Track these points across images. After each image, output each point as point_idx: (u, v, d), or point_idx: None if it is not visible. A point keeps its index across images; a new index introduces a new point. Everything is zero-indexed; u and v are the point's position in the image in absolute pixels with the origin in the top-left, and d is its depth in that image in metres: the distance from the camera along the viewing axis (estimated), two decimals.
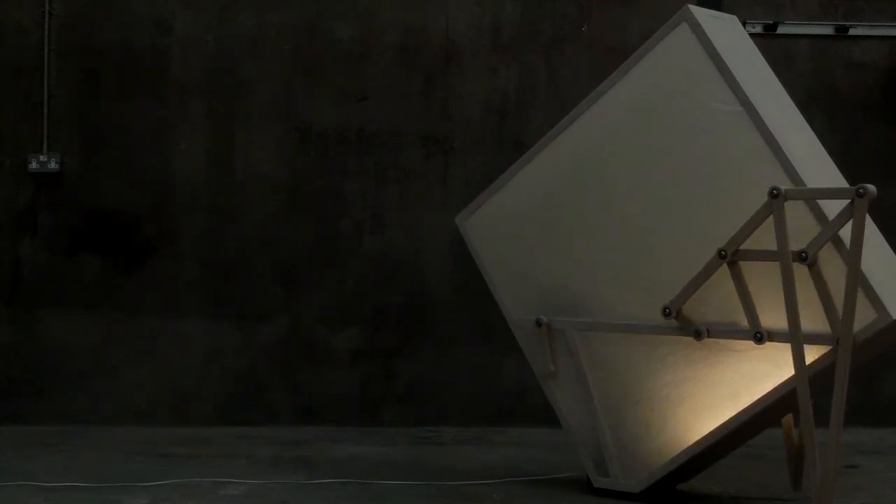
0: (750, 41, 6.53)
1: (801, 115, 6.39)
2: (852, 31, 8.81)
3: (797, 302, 5.42)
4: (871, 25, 8.84)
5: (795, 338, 5.41)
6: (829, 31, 8.83)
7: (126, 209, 8.62)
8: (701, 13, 6.07)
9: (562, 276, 6.27)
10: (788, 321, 5.44)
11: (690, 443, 5.89)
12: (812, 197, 5.52)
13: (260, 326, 8.63)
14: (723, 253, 5.62)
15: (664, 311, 5.82)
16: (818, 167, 6.08)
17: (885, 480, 6.72)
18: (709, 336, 5.76)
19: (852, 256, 5.32)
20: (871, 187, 5.30)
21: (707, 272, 5.69)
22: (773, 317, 5.58)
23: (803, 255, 5.42)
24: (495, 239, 6.53)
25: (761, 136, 5.72)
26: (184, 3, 8.69)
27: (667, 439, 5.97)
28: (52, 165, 8.53)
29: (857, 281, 5.32)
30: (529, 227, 6.40)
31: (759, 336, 5.59)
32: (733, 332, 5.71)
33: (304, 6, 8.72)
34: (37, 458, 7.20)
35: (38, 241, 8.59)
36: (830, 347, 5.44)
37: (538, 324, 6.31)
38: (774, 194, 5.46)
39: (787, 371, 5.56)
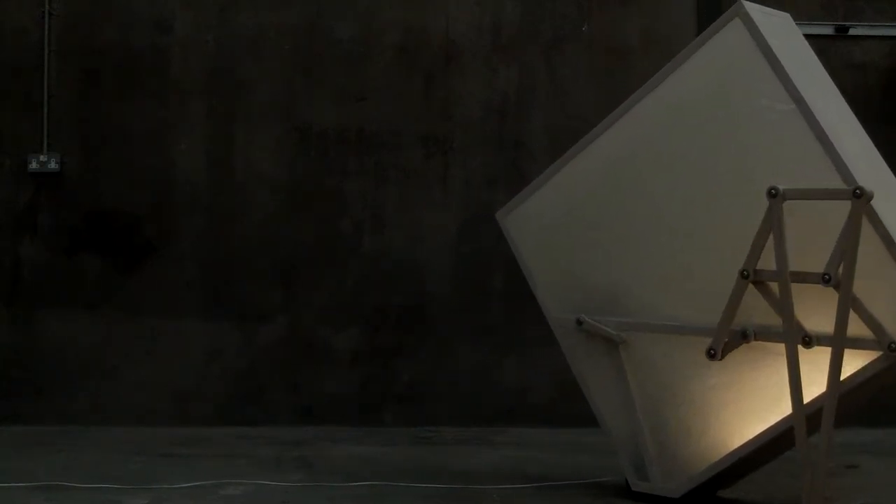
0: (803, 39, 6.31)
1: (854, 117, 6.20)
2: (852, 31, 8.81)
3: (793, 313, 5.35)
4: (871, 25, 8.84)
5: (790, 345, 5.32)
6: (829, 31, 8.83)
7: (126, 209, 8.62)
8: (754, 9, 5.86)
9: (604, 275, 6.11)
10: (785, 331, 5.35)
11: (733, 447, 5.74)
12: (810, 197, 5.44)
13: (260, 326, 8.63)
14: (745, 273, 5.50)
15: (708, 352, 5.63)
16: (872, 169, 5.88)
17: (885, 480, 6.72)
18: (755, 339, 5.60)
19: (847, 261, 5.24)
20: (868, 189, 5.24)
21: (736, 298, 5.53)
22: (820, 320, 5.40)
23: (826, 277, 5.28)
24: (536, 236, 6.36)
25: (815, 137, 5.53)
26: (184, 3, 8.69)
27: (709, 444, 5.83)
28: (52, 165, 8.53)
29: (850, 287, 5.24)
30: (571, 224, 6.24)
31: (808, 340, 5.43)
32: (781, 336, 5.49)
33: (304, 6, 8.72)
34: (37, 458, 7.20)
35: (38, 241, 8.58)
36: (881, 353, 5.31)
37: (579, 323, 6.17)
38: (773, 194, 5.40)
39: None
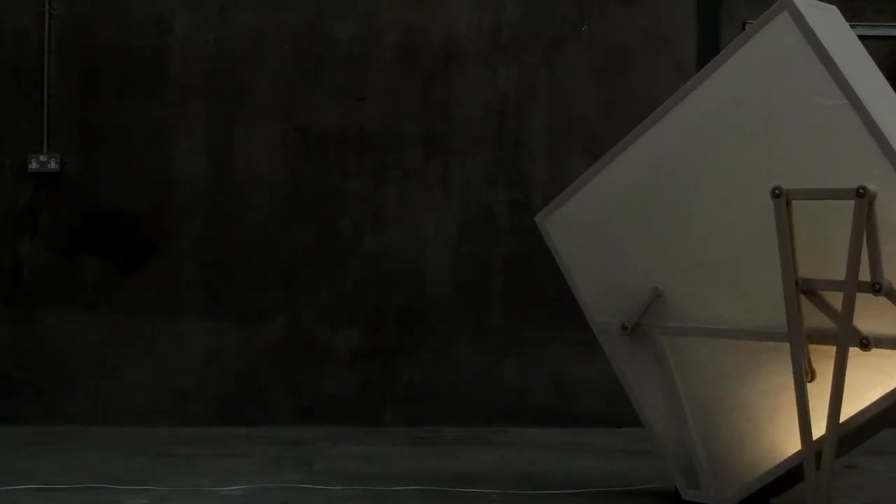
0: (851, 31, 6.07)
1: None
2: (853, 31, 8.79)
3: (800, 325, 5.24)
4: (871, 25, 8.83)
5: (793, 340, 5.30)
6: None
7: (126, 209, 8.62)
8: (801, 2, 5.62)
9: (649, 277, 5.87)
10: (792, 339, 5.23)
11: (788, 454, 5.53)
12: (814, 197, 5.32)
13: (260, 326, 8.63)
14: (797, 282, 5.31)
15: (804, 374, 5.32)
16: None
17: (885, 480, 6.72)
18: (810, 342, 5.37)
19: (852, 261, 5.14)
20: (872, 187, 5.14)
21: (793, 308, 5.33)
22: (879, 322, 5.20)
23: (877, 286, 5.10)
24: (577, 238, 6.15)
25: (868, 133, 5.29)
26: (184, 3, 8.68)
27: (762, 450, 5.63)
28: (52, 165, 8.53)
29: (854, 287, 5.15)
30: (614, 226, 6.01)
31: (866, 342, 5.21)
32: (835, 339, 5.28)
33: (304, 6, 8.72)
34: (37, 458, 7.20)
35: (38, 241, 8.58)
36: None
37: (624, 328, 5.94)
38: (777, 194, 5.30)
39: (895, 379, 5.24)
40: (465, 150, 8.74)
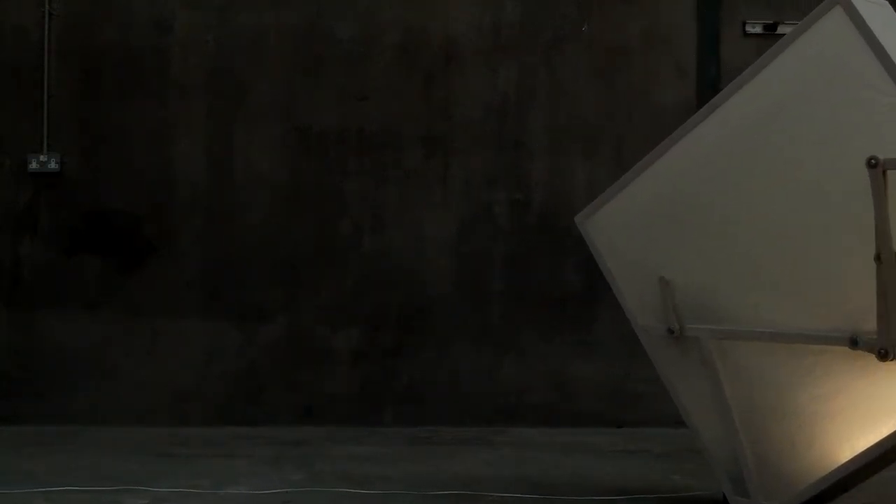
0: None
1: None
2: None
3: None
4: None
5: None
6: None
7: (126, 209, 8.62)
8: None
9: (695, 279, 5.67)
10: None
11: (842, 461, 5.33)
12: None
13: (260, 326, 8.63)
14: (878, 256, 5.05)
15: (879, 352, 5.09)
16: None
17: (885, 480, 6.71)
18: (862, 348, 5.16)
19: (881, 237, 4.94)
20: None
21: (892, 280, 5.02)
22: None
23: None
24: (620, 240, 5.94)
25: None
26: (184, 3, 8.68)
27: (815, 457, 5.42)
28: (52, 165, 8.53)
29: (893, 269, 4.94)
30: (658, 227, 5.81)
31: None
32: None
33: (304, 6, 8.72)
34: (37, 458, 7.20)
35: (38, 241, 8.58)
36: None
37: (670, 331, 5.72)
38: (872, 164, 5.00)
39: None
40: (465, 150, 8.73)
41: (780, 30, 8.80)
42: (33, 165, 8.53)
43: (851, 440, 5.32)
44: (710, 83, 8.78)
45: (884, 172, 5.06)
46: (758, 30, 8.77)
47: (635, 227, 5.91)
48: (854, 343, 5.18)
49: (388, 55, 8.76)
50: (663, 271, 5.77)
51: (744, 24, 8.79)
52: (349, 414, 8.60)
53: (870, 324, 5.15)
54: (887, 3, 5.88)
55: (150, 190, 8.63)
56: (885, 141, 5.21)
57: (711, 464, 5.82)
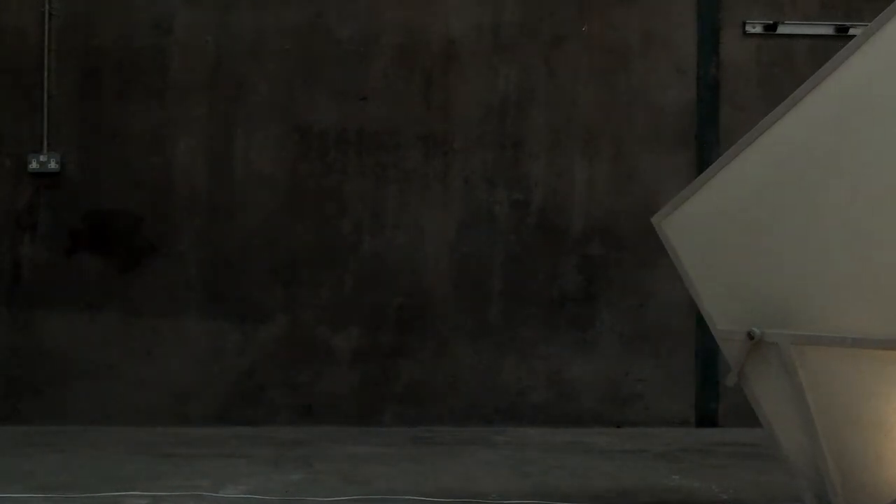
0: None
1: None
2: (852, 31, 8.80)
3: None
4: None
5: None
6: (829, 31, 8.82)
7: (126, 209, 8.62)
8: None
9: (777, 282, 5.44)
10: None
11: None
12: None
13: (260, 326, 8.63)
14: None
15: None
16: None
17: None
18: None
19: None
20: None
21: None
22: None
23: None
24: (697, 241, 5.70)
25: None
26: (184, 3, 8.69)
27: None
28: (52, 165, 8.53)
29: None
30: (739, 228, 5.59)
31: None
32: None
33: (304, 6, 8.72)
34: (37, 458, 7.20)
35: (38, 241, 8.59)
36: None
37: (750, 337, 5.48)
38: None
39: None
40: (465, 150, 8.74)
41: (780, 30, 8.81)
42: (33, 165, 8.53)
43: None
44: (710, 83, 8.79)
45: None
46: (758, 30, 8.77)
47: (712, 229, 5.68)
48: None
49: (388, 55, 8.76)
50: (743, 274, 5.56)
51: (744, 24, 8.79)
52: (349, 414, 8.61)
53: None
54: None
55: (150, 190, 8.64)
56: None
57: (793, 475, 5.59)
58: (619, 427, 8.54)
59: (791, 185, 5.46)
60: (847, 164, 5.32)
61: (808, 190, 5.41)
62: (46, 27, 8.59)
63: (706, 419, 8.70)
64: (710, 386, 8.69)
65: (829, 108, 5.39)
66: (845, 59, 5.32)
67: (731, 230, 5.62)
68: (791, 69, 8.71)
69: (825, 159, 5.38)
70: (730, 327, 5.59)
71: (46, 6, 8.58)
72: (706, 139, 8.76)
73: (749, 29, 8.79)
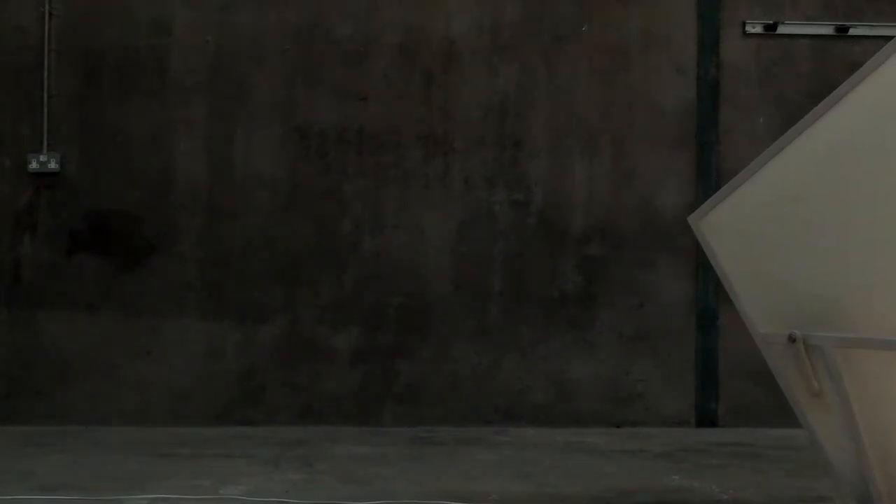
0: None
1: None
2: (852, 31, 8.81)
3: None
4: (871, 25, 8.83)
5: None
6: (829, 31, 8.83)
7: (126, 209, 8.63)
8: None
9: (820, 283, 5.24)
10: None
11: None
12: None
13: (260, 326, 8.63)
14: None
15: None
16: None
17: None
18: None
19: None
20: None
21: None
22: None
23: None
24: (735, 242, 5.54)
25: None
26: (184, 3, 8.69)
27: None
28: (52, 165, 8.53)
29: None
30: (779, 227, 5.37)
31: None
32: None
33: (304, 6, 8.72)
34: (37, 458, 7.20)
35: (38, 241, 8.59)
36: None
37: (791, 339, 5.28)
38: None
39: None
40: (465, 150, 8.74)
41: (780, 30, 8.81)
42: (33, 165, 8.53)
43: None
44: (710, 83, 8.79)
45: None
46: (758, 30, 8.77)
47: (751, 229, 5.50)
48: None
49: (388, 55, 8.76)
50: (784, 275, 5.37)
51: (744, 24, 8.79)
52: (349, 414, 8.61)
53: None
54: None
55: (150, 190, 8.64)
56: None
57: (837, 482, 5.47)
58: (619, 427, 8.54)
59: (834, 183, 5.26)
60: (891, 161, 5.14)
61: (851, 189, 5.21)
62: (46, 27, 8.59)
63: (706, 419, 8.70)
64: (710, 386, 8.69)
65: (871, 106, 5.20)
66: (889, 56, 5.14)
67: (770, 229, 5.41)
68: (791, 69, 8.72)
69: (869, 157, 5.20)
70: (771, 330, 5.39)
71: (46, 6, 8.59)
72: (706, 139, 8.76)
73: (749, 29, 8.79)
